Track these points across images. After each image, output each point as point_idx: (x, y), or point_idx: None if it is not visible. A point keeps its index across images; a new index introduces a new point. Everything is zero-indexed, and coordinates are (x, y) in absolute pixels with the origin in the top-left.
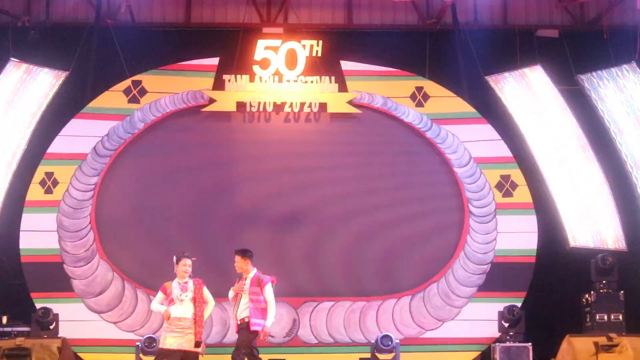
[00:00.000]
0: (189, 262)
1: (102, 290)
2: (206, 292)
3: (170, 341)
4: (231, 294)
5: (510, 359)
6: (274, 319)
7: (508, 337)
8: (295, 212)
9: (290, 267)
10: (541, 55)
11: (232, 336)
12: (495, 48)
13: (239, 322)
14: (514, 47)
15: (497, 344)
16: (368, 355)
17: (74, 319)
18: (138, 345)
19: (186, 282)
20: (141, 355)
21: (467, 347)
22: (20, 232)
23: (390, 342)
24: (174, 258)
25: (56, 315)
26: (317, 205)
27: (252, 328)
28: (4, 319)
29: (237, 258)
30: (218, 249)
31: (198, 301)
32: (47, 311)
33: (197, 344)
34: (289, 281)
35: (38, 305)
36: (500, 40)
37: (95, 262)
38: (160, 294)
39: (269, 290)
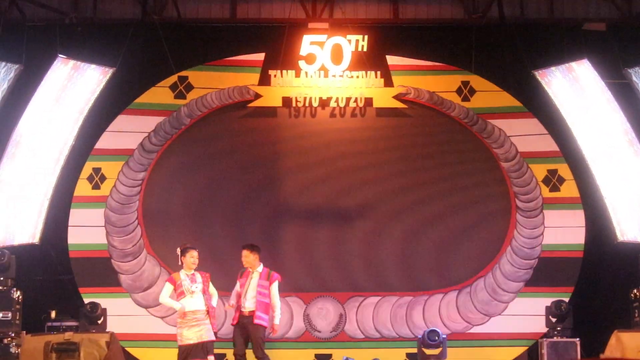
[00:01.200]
0: (195, 253)
1: (150, 285)
2: (211, 286)
3: (190, 335)
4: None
5: (558, 354)
6: (280, 316)
7: (555, 333)
8: (342, 207)
9: (337, 262)
10: (588, 49)
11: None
12: (541, 42)
13: (247, 314)
14: (560, 40)
15: (544, 339)
16: (415, 350)
17: (121, 313)
18: None
19: (193, 274)
20: None
21: (514, 342)
22: (69, 228)
23: (437, 337)
24: (178, 250)
25: (104, 309)
26: (363, 200)
27: (256, 321)
28: (53, 314)
29: (246, 252)
30: (264, 244)
31: (207, 293)
32: (95, 306)
33: (215, 335)
34: (335, 276)
35: (86, 300)
36: (547, 34)
37: (142, 257)
38: (169, 286)
39: (275, 288)
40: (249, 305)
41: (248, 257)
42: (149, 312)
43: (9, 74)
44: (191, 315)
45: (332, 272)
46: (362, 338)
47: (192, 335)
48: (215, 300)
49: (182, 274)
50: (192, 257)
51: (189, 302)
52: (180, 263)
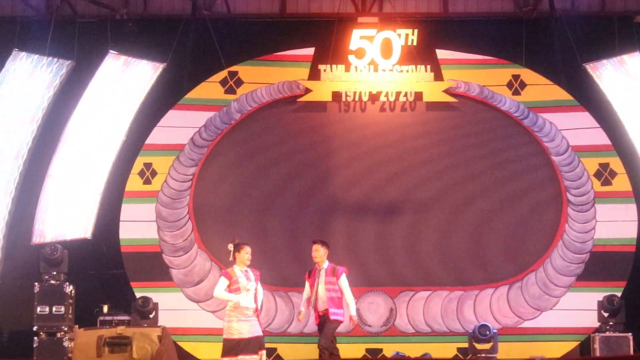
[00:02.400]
0: (249, 249)
1: (201, 279)
2: (259, 285)
3: (242, 329)
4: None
5: (610, 349)
6: (355, 306)
7: (608, 327)
8: (392, 202)
9: (388, 256)
10: None
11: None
12: (593, 35)
13: (320, 314)
14: (612, 33)
15: (596, 334)
16: (465, 345)
17: (173, 308)
18: None
19: (247, 271)
20: None
21: (566, 337)
22: (120, 223)
23: (488, 332)
24: (230, 246)
25: (156, 304)
26: (413, 194)
27: (332, 317)
28: (105, 308)
29: (317, 247)
30: (313, 238)
31: (257, 292)
32: (147, 300)
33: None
34: (386, 271)
35: (138, 295)
36: (598, 26)
37: (193, 252)
38: (225, 281)
39: (345, 280)
40: (321, 304)
41: (319, 252)
42: (200, 306)
43: (60, 70)
44: (244, 311)
45: (383, 266)
46: (412, 332)
47: (244, 329)
48: (260, 300)
49: (237, 270)
50: (246, 254)
51: (243, 298)
52: (232, 259)
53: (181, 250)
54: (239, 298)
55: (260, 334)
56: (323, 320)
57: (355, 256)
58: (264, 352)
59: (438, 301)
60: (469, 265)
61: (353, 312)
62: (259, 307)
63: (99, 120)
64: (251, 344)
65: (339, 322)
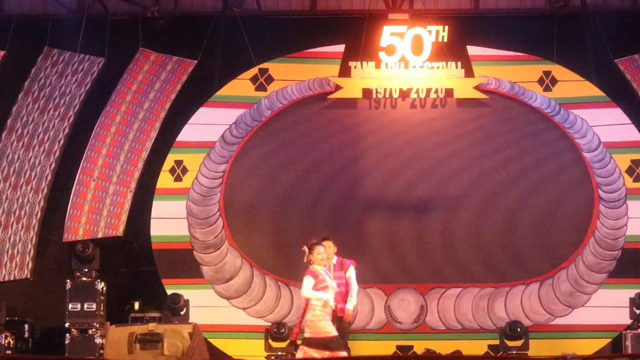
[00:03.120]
0: (322, 249)
1: (232, 276)
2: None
3: (330, 327)
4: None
5: None
6: (356, 301)
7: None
8: (423, 198)
9: (418, 253)
10: None
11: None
12: (624, 31)
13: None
14: None
15: (628, 331)
16: (497, 342)
17: (204, 304)
18: (267, 331)
19: (329, 269)
20: (270, 340)
21: (598, 335)
22: (151, 220)
23: (519, 329)
24: (305, 248)
25: (187, 301)
26: (444, 191)
27: (340, 313)
28: (136, 305)
29: (330, 243)
30: (345, 235)
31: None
32: (178, 297)
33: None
34: (416, 267)
35: (169, 292)
36: (630, 22)
37: (224, 249)
38: (311, 280)
39: (353, 272)
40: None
41: (331, 248)
42: (231, 303)
43: (92, 67)
44: (328, 310)
45: (413, 263)
46: (443, 329)
47: (331, 327)
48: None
49: (321, 269)
50: (318, 254)
51: (330, 297)
52: (306, 260)
53: (212, 247)
54: (328, 296)
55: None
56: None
57: (386, 252)
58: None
59: (469, 298)
60: (500, 261)
61: (350, 306)
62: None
63: (130, 118)
64: (339, 342)
65: (352, 318)
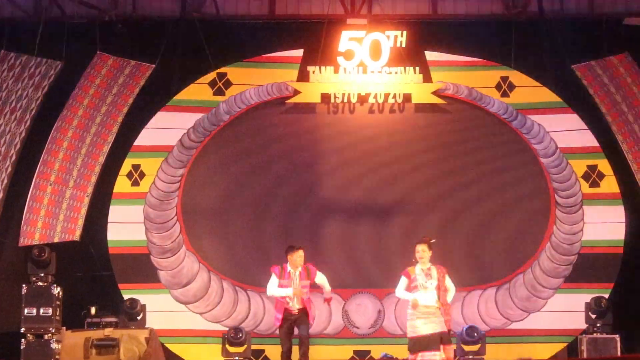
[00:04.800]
0: (421, 247)
1: (189, 281)
2: (448, 280)
3: (422, 327)
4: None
5: (598, 350)
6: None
7: (595, 329)
8: (380, 203)
9: (375, 258)
10: (628, 44)
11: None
12: (581, 37)
13: (293, 313)
14: (600, 35)
15: (584, 335)
16: (454, 347)
17: (160, 309)
18: (224, 335)
19: (429, 269)
20: (227, 345)
21: (554, 339)
22: (108, 224)
23: (475, 333)
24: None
25: (143, 306)
26: (402, 196)
27: (311, 322)
28: (93, 310)
29: (302, 253)
30: (303, 241)
31: (441, 289)
32: (134, 302)
33: (449, 332)
34: (374, 272)
35: (126, 296)
36: (587, 28)
37: (181, 254)
38: (405, 280)
39: (322, 275)
40: (295, 305)
41: (302, 257)
42: (188, 308)
43: (49, 71)
44: (423, 309)
45: (370, 268)
46: (400, 334)
47: (424, 327)
48: (450, 295)
49: (418, 269)
50: (423, 252)
51: (422, 296)
52: (415, 260)
53: (169, 251)
54: (416, 296)
55: (442, 329)
56: (291, 321)
57: (344, 258)
58: (451, 347)
59: None
60: (457, 266)
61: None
62: (444, 305)
63: (87, 122)
64: (432, 341)
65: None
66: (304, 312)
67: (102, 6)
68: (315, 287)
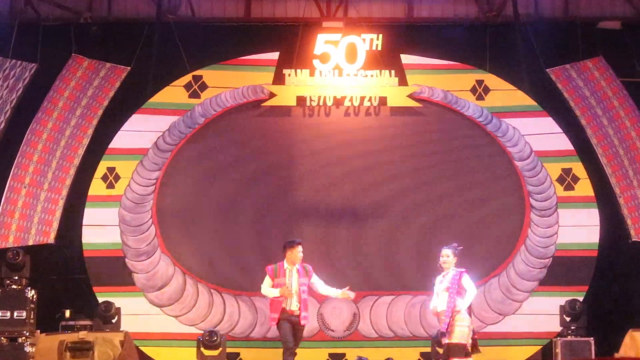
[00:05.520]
0: (446, 252)
1: (164, 284)
2: (465, 281)
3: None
4: (272, 292)
5: (572, 353)
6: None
7: (569, 332)
8: (356, 206)
9: (350, 261)
10: (603, 47)
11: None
12: (556, 40)
13: (291, 314)
14: (575, 39)
15: (558, 338)
16: (429, 350)
17: (135, 312)
18: (199, 339)
19: (447, 274)
20: (202, 349)
21: (528, 342)
22: (83, 227)
23: None
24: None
25: (118, 309)
26: (377, 199)
27: (303, 322)
28: (67, 313)
29: (301, 248)
30: (277, 243)
31: (450, 290)
32: (109, 305)
33: (441, 334)
34: (349, 275)
35: (100, 299)
36: (562, 32)
37: (156, 257)
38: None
39: (316, 277)
40: (294, 306)
41: (301, 253)
42: (162, 311)
43: (24, 73)
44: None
45: (346, 271)
46: (375, 337)
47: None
48: (466, 298)
49: (440, 276)
50: (442, 257)
51: (436, 302)
52: (439, 266)
53: (144, 254)
54: (434, 304)
55: (455, 341)
56: (290, 322)
57: (319, 261)
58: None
59: (401, 306)
60: (433, 269)
61: (339, 292)
62: (459, 308)
63: (62, 124)
64: (455, 349)
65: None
66: (302, 325)
67: (77, 8)
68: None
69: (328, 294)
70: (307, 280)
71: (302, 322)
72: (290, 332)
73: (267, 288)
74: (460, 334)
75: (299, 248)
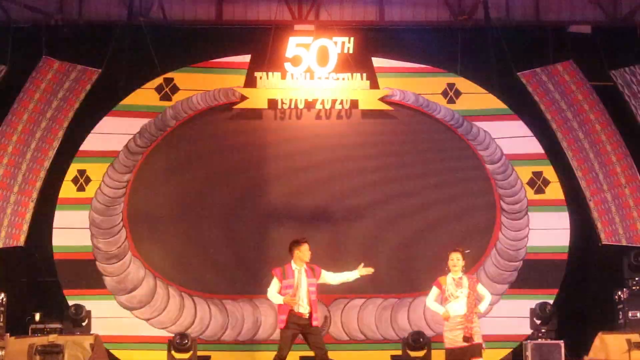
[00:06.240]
0: (456, 255)
1: (134, 287)
2: (480, 288)
3: (458, 337)
4: (277, 299)
5: (542, 356)
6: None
7: (540, 335)
8: (326, 209)
9: (322, 264)
10: (573, 52)
11: (264, 333)
12: (527, 44)
13: (301, 316)
14: (546, 43)
15: (528, 341)
16: (399, 353)
17: (106, 315)
18: (170, 342)
19: (460, 278)
20: (173, 352)
21: (498, 345)
22: (53, 230)
23: (422, 339)
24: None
25: (88, 312)
26: (348, 201)
27: (315, 323)
28: (37, 316)
29: (308, 246)
30: (249, 246)
31: (471, 297)
32: (79, 308)
33: (466, 339)
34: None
35: (71, 302)
36: (532, 36)
37: (127, 259)
38: (436, 290)
39: (326, 272)
40: (303, 308)
41: (309, 251)
42: (133, 314)
43: None
44: (455, 320)
45: None
46: (346, 340)
47: (458, 337)
48: (485, 303)
49: (449, 278)
50: (458, 260)
51: (453, 306)
52: (447, 269)
53: (115, 257)
54: (448, 307)
55: (477, 341)
56: (298, 326)
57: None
58: None
59: (372, 309)
60: (403, 272)
61: (356, 272)
62: (482, 312)
63: (33, 126)
64: (468, 352)
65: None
66: (315, 325)
67: (48, 10)
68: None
69: (344, 280)
70: (315, 280)
71: (314, 323)
72: (290, 342)
73: (274, 293)
74: (479, 335)
75: (307, 246)
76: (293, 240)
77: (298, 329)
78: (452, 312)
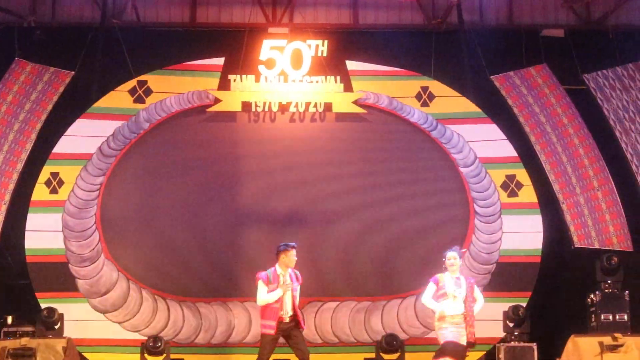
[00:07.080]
0: (453, 254)
1: (107, 290)
2: (477, 291)
3: (451, 337)
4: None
5: (515, 359)
6: None
7: (513, 337)
8: (300, 212)
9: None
10: (547, 55)
11: (237, 336)
12: (500, 47)
13: (287, 321)
14: (519, 46)
15: (501, 344)
16: (373, 355)
17: (79, 318)
18: (143, 345)
19: (458, 278)
20: (146, 355)
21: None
22: (26, 232)
23: (395, 342)
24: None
25: (61, 315)
26: (321, 205)
27: (304, 326)
28: (9, 319)
29: (295, 252)
30: (222, 249)
31: (468, 299)
32: (52, 311)
33: (470, 345)
34: None
35: (43, 305)
36: (506, 39)
37: (100, 262)
38: (433, 286)
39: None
40: (289, 311)
41: (295, 257)
42: (106, 317)
43: None
44: (450, 320)
45: None
46: (320, 343)
47: (458, 338)
48: (478, 306)
49: (447, 277)
50: (448, 260)
51: (450, 305)
52: (444, 268)
53: (88, 260)
54: (444, 306)
55: (467, 341)
56: (287, 328)
57: (262, 266)
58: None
59: (346, 312)
60: (377, 275)
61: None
62: (469, 315)
63: (5, 129)
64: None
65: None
66: (297, 326)
67: (21, 12)
68: None
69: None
70: (298, 285)
71: (304, 327)
72: (272, 344)
73: (266, 294)
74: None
75: (294, 252)
76: (282, 244)
77: (281, 333)
78: (448, 311)
